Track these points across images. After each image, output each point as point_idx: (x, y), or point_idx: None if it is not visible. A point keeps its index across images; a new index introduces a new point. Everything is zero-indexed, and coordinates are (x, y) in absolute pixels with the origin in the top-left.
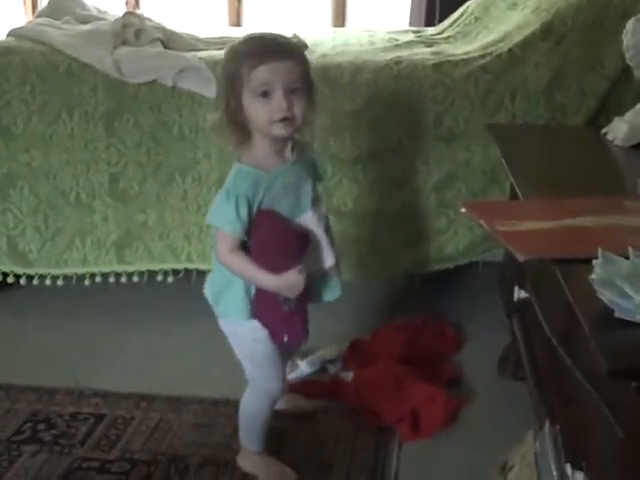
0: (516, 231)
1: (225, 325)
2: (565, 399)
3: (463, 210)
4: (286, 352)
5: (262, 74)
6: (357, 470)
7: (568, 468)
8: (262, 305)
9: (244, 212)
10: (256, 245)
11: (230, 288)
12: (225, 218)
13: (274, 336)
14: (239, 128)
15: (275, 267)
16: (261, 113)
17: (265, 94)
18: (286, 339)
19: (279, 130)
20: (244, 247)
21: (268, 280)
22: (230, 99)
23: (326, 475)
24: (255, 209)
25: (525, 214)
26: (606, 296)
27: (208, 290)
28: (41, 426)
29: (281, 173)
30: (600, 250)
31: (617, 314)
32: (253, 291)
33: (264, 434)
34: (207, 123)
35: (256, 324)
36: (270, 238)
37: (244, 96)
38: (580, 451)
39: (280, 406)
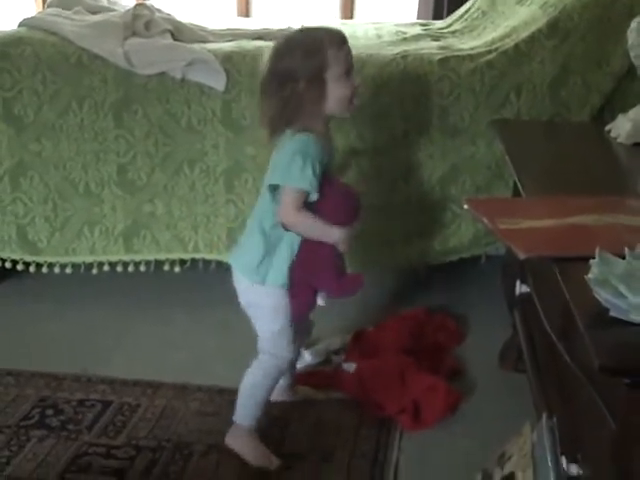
0: (517, 229)
1: (249, 294)
2: (563, 392)
3: (466, 207)
4: (303, 322)
5: (345, 56)
6: (359, 458)
7: (563, 460)
8: (310, 266)
9: (319, 173)
10: (326, 204)
11: (274, 256)
12: (305, 177)
13: (306, 301)
14: (295, 113)
15: (340, 223)
16: (344, 90)
17: (348, 73)
18: (320, 300)
19: (353, 105)
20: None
21: (335, 232)
22: (313, 85)
23: (328, 462)
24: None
25: (527, 212)
26: (601, 295)
27: (241, 258)
28: (49, 412)
29: (326, 143)
30: (597, 250)
31: (612, 313)
32: (294, 256)
33: (260, 410)
34: (262, 113)
35: (282, 293)
36: (338, 198)
37: (329, 78)
38: (575, 443)
39: (286, 398)
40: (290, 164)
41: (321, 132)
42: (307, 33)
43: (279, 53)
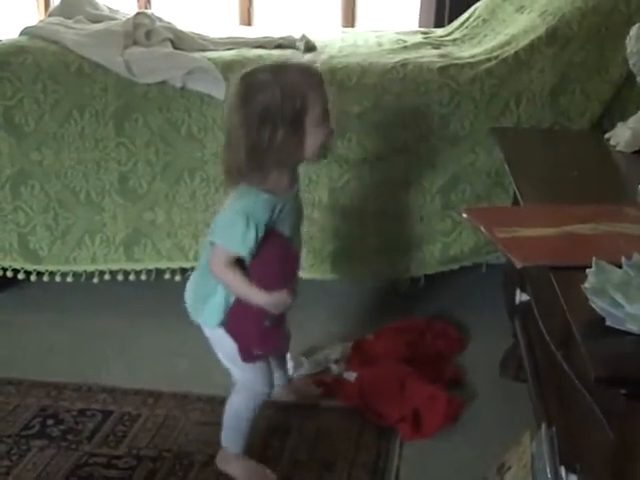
0: (515, 237)
1: (209, 331)
2: (562, 402)
3: (465, 215)
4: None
5: (324, 98)
6: (359, 467)
7: (562, 470)
8: (240, 318)
9: (260, 237)
10: (258, 264)
11: (213, 297)
12: (245, 243)
13: (243, 349)
14: (266, 161)
15: (269, 286)
16: (322, 136)
17: (325, 116)
18: (257, 352)
19: (326, 150)
20: (238, 263)
21: (259, 297)
22: (292, 130)
23: (329, 472)
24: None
25: (525, 221)
26: (598, 304)
27: (190, 299)
28: (50, 421)
29: (289, 199)
30: (594, 259)
31: (608, 322)
32: (231, 301)
33: (247, 436)
34: (222, 163)
35: (221, 333)
36: (273, 260)
37: (308, 123)
38: (575, 453)
39: (284, 398)
40: (233, 225)
41: (283, 185)
42: (284, 70)
43: (253, 90)
